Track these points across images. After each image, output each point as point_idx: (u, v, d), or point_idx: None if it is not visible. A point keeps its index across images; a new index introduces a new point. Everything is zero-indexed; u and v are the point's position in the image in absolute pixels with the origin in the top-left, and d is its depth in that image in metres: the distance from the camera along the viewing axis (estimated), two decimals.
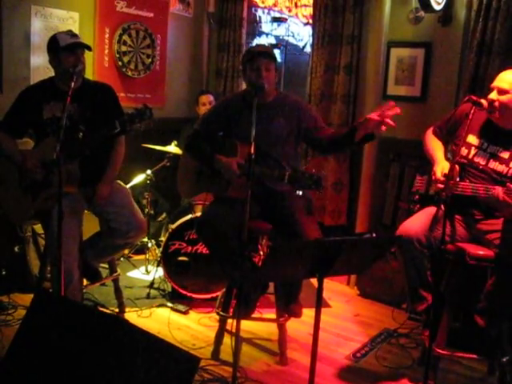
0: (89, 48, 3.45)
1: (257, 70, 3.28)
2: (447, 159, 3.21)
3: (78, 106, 3.38)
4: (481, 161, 3.14)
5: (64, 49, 3.31)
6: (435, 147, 3.31)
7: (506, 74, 3.05)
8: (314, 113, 3.57)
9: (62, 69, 3.32)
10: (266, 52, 3.34)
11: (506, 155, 3.08)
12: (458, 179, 3.05)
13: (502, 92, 3.01)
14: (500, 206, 2.95)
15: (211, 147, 3.43)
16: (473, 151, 3.17)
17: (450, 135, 3.30)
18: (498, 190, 2.88)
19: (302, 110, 3.46)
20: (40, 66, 4.41)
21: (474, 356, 3.18)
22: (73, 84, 2.97)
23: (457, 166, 3.02)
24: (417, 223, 3.15)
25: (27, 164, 3.35)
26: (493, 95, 3.03)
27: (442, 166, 3.12)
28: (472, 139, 3.17)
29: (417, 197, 3.35)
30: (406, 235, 3.10)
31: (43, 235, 3.99)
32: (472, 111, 2.87)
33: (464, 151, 3.17)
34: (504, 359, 3.02)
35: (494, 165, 3.10)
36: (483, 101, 2.91)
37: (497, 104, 3.01)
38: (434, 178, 3.12)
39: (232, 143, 3.38)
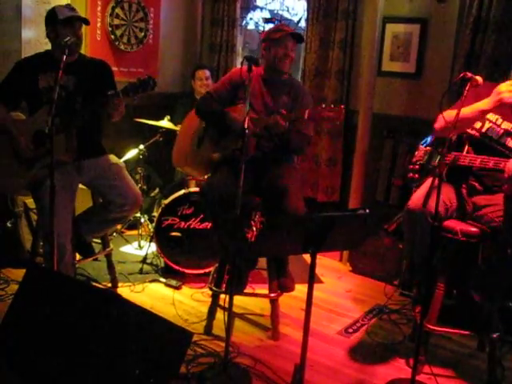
0: (86, 22, 3.47)
1: (285, 49, 3.46)
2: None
3: (74, 78, 3.39)
4: (493, 135, 3.11)
5: (62, 22, 3.32)
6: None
7: None
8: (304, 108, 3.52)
9: (59, 41, 3.30)
10: (296, 34, 3.55)
11: None
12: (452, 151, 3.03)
13: None
14: (509, 180, 2.89)
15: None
16: (487, 125, 3.12)
17: None
18: (510, 162, 2.84)
19: (300, 98, 3.56)
20: (31, 38, 4.34)
21: (465, 332, 3.21)
22: (65, 57, 2.95)
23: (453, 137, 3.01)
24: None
25: (21, 145, 3.34)
26: None
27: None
28: (488, 114, 3.14)
29: (417, 166, 3.32)
30: (420, 209, 3.00)
31: (35, 210, 3.98)
32: (467, 89, 2.85)
33: (477, 124, 3.14)
34: (494, 335, 3.04)
35: (506, 140, 3.06)
36: (478, 78, 2.89)
37: None
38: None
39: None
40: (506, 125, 3.12)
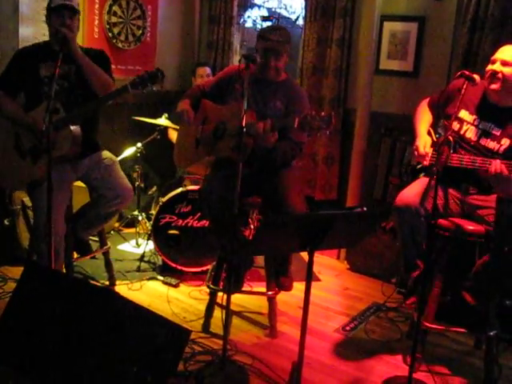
0: (75, 10, 3.34)
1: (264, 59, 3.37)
2: (438, 134, 3.21)
3: (75, 66, 3.35)
4: (472, 137, 3.13)
5: (53, 9, 3.28)
6: (422, 120, 3.29)
7: (509, 48, 3.04)
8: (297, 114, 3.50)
9: (51, 30, 3.32)
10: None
11: (497, 132, 3.07)
12: (451, 151, 3.04)
13: (505, 64, 3.00)
14: (493, 180, 2.92)
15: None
16: (465, 127, 3.15)
17: (442, 109, 3.29)
18: (496, 162, 2.87)
19: (293, 103, 3.45)
20: (29, 36, 4.32)
21: (462, 330, 3.22)
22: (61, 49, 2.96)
23: (450, 138, 3.02)
24: (414, 192, 3.12)
25: (40, 126, 3.26)
26: (496, 66, 3.02)
27: (423, 141, 3.12)
28: (464, 115, 3.16)
29: (409, 169, 3.35)
30: (405, 204, 3.09)
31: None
32: (464, 86, 2.86)
33: (456, 126, 3.16)
34: (491, 333, 3.04)
35: (485, 141, 3.09)
36: (476, 76, 2.89)
37: (500, 75, 3.00)
38: (417, 153, 3.11)
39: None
40: (483, 125, 3.12)
